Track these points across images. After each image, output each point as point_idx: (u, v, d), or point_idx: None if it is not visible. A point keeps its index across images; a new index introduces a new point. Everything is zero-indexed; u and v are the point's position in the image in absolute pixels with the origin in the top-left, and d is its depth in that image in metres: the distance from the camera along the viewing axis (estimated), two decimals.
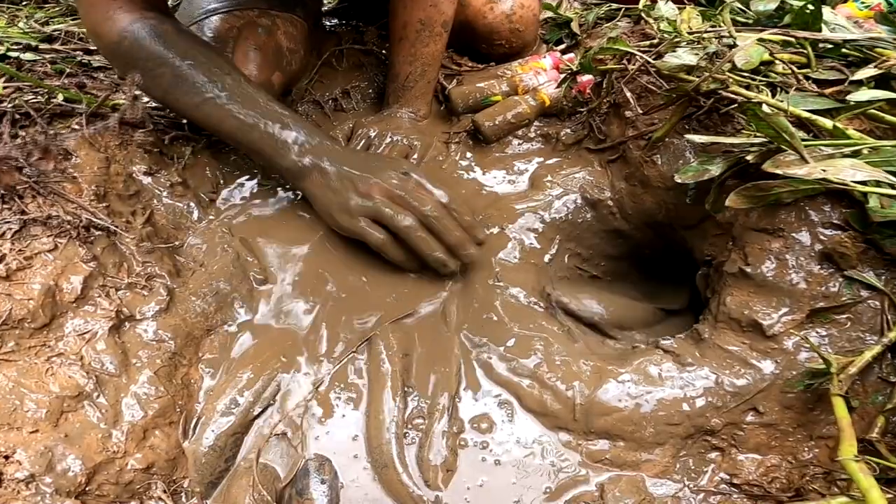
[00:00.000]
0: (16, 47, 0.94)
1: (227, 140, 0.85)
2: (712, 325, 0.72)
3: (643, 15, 0.96)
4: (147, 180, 0.86)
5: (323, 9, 1.21)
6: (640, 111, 0.85)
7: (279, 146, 0.82)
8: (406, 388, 0.74)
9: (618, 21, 1.05)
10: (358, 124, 1.01)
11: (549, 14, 1.15)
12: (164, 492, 0.69)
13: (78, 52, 0.97)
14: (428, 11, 0.95)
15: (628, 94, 0.85)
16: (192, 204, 0.89)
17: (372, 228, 0.79)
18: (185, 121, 0.92)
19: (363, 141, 0.99)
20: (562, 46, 1.11)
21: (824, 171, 0.57)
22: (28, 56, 0.92)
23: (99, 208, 0.76)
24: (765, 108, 0.65)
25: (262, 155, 0.83)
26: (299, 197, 0.92)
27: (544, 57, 1.04)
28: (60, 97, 0.82)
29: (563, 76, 0.98)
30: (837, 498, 0.54)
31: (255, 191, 0.93)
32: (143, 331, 0.74)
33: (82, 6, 0.82)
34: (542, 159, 0.96)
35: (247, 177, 0.94)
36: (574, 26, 1.09)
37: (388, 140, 0.98)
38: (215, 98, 0.80)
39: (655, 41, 0.88)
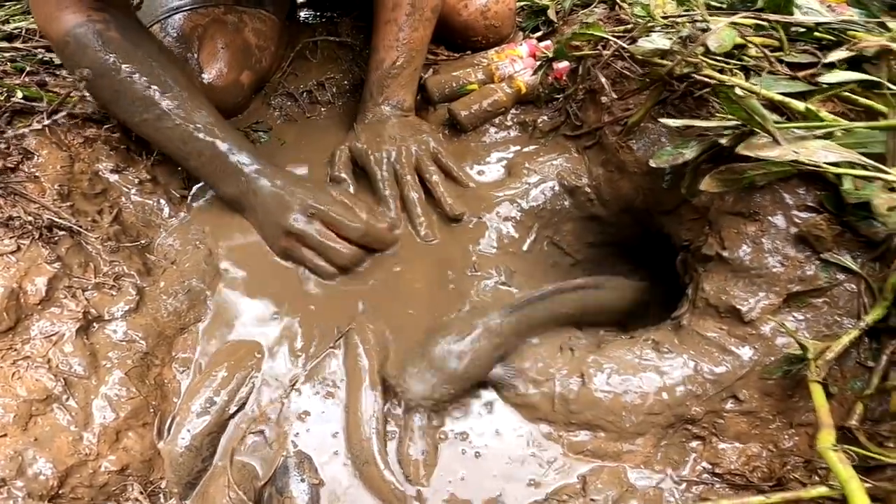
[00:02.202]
0: None
1: (173, 158, 0.83)
2: (691, 312, 0.72)
3: (618, 0, 0.95)
4: (114, 178, 0.84)
5: (298, 0, 1.19)
6: (616, 97, 0.84)
7: (219, 174, 0.81)
8: (385, 384, 0.73)
9: (594, 7, 1.04)
10: (355, 149, 0.92)
11: (526, 2, 1.14)
12: (141, 493, 0.68)
13: (39, 50, 0.94)
14: None
15: (603, 80, 0.84)
16: (162, 201, 0.87)
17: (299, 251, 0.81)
18: None
19: (385, 167, 0.89)
20: (538, 34, 1.09)
21: (796, 152, 0.57)
22: None
23: (63, 208, 0.75)
24: (737, 91, 0.65)
25: (205, 180, 0.84)
26: None
27: (521, 45, 1.03)
28: (20, 94, 0.79)
29: (538, 63, 0.97)
30: (817, 487, 0.54)
31: None
32: (113, 331, 0.73)
33: (31, 2, 0.78)
34: (519, 147, 0.95)
35: None
36: (551, 13, 1.08)
37: (411, 153, 0.90)
38: (154, 119, 0.78)
39: (630, 26, 0.87)
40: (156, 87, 0.78)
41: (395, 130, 0.92)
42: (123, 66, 0.76)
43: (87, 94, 0.82)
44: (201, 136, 0.79)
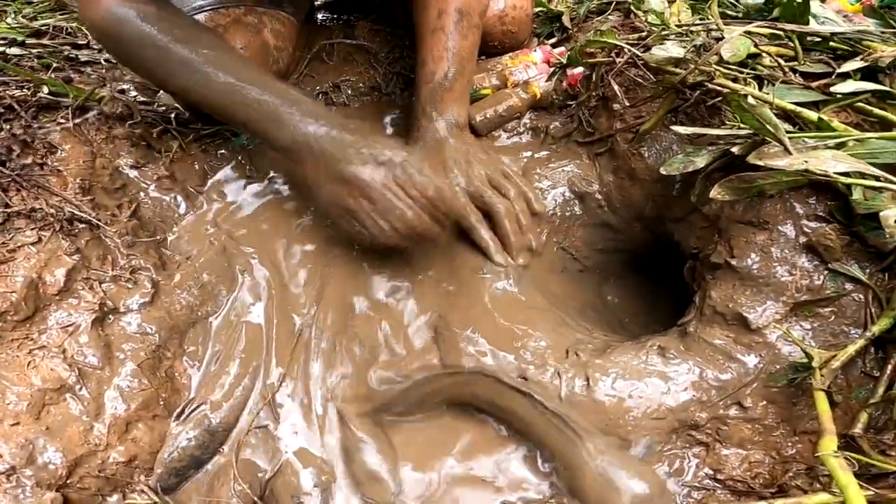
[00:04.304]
0: (2, 42, 0.94)
1: (223, 117, 0.78)
2: (697, 319, 0.72)
3: (632, 8, 0.96)
4: (133, 173, 0.86)
5: (316, 2, 1.21)
6: (628, 104, 0.84)
7: (272, 122, 0.74)
8: None
9: (609, 14, 1.05)
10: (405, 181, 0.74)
11: (541, 8, 1.14)
12: (147, 484, 0.70)
13: (65, 47, 0.97)
14: None
15: (616, 87, 0.84)
16: (179, 197, 0.89)
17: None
18: (172, 115, 0.92)
19: (460, 195, 0.82)
20: (553, 40, 1.10)
21: (806, 162, 0.57)
22: (14, 51, 0.91)
23: (83, 201, 0.76)
24: (750, 99, 0.65)
25: (257, 133, 0.76)
26: (285, 189, 0.91)
27: (535, 50, 1.03)
28: (46, 89, 0.82)
29: (552, 70, 0.97)
30: (819, 494, 0.54)
31: (242, 183, 0.93)
32: (127, 323, 0.74)
33: None
34: (530, 152, 0.95)
35: (235, 170, 0.94)
36: (565, 20, 1.08)
37: (483, 176, 0.83)
38: (201, 78, 0.74)
39: (644, 34, 0.88)
40: (200, 49, 0.75)
41: (458, 154, 0.84)
42: (166, 34, 0.75)
43: (126, 70, 0.84)
44: (252, 87, 0.75)
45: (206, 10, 0.94)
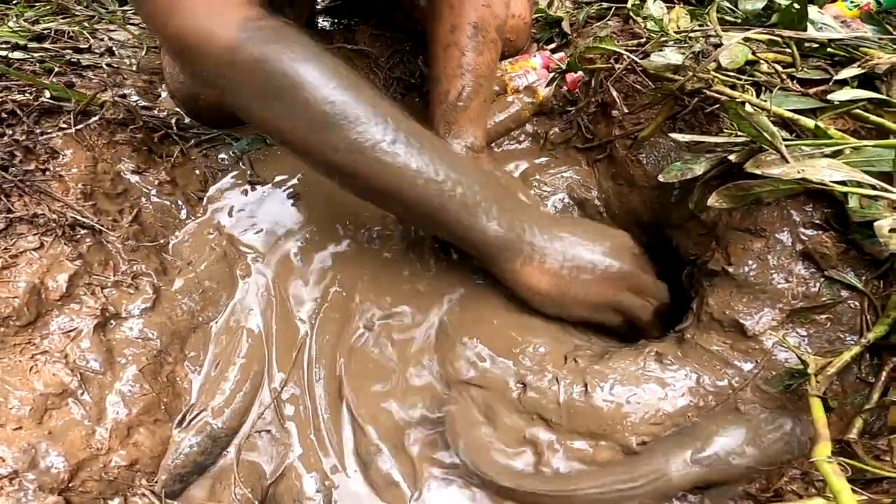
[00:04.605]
0: (4, 46, 0.94)
1: (395, 201, 0.64)
2: (695, 325, 0.72)
3: (631, 14, 0.96)
4: (135, 179, 0.87)
5: (317, 7, 1.21)
6: (627, 110, 0.85)
7: (476, 211, 0.63)
8: None
9: (608, 20, 1.05)
10: None
11: (540, 13, 1.15)
12: (149, 488, 0.70)
13: (67, 51, 0.97)
14: (481, 13, 0.79)
15: (615, 94, 0.85)
16: (180, 202, 0.89)
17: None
18: (173, 121, 0.92)
19: None
20: (552, 45, 1.10)
21: (801, 171, 0.57)
22: (17, 55, 0.92)
23: (85, 207, 0.77)
24: (747, 107, 0.65)
25: (448, 223, 0.64)
26: (286, 195, 0.92)
27: (534, 56, 1.04)
28: (48, 94, 0.82)
29: (552, 75, 0.98)
30: (814, 499, 0.54)
31: (243, 189, 0.93)
32: (129, 329, 0.75)
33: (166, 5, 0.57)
34: (530, 158, 0.96)
35: (236, 175, 0.95)
36: (565, 25, 1.09)
37: None
38: (388, 144, 0.59)
39: (643, 40, 0.88)
40: (377, 100, 0.61)
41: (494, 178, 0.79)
42: (332, 74, 0.59)
43: (244, 116, 0.65)
44: (456, 158, 0.64)
45: None
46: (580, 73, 0.93)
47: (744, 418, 0.64)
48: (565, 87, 0.96)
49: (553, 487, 0.65)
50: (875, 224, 0.51)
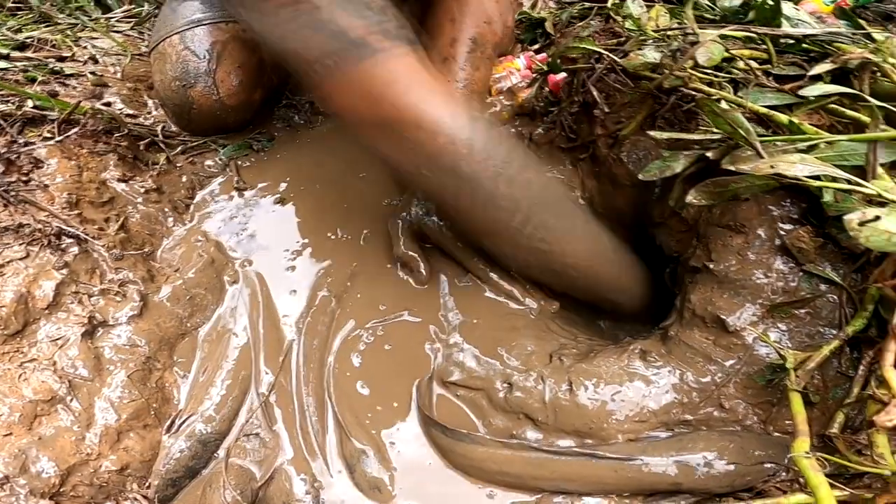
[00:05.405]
0: None
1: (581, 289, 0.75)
2: (678, 322, 0.73)
3: (611, 13, 0.97)
4: (121, 187, 0.87)
5: None
6: (608, 110, 0.85)
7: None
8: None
9: (590, 20, 1.06)
10: (422, 223, 0.79)
11: (524, 14, 1.16)
12: (139, 492, 0.71)
13: (50, 60, 0.98)
14: (482, 29, 0.82)
15: (596, 94, 0.85)
16: (167, 210, 0.90)
17: None
18: (159, 128, 0.92)
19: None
20: (536, 46, 1.11)
21: (773, 166, 0.58)
22: None
23: (71, 216, 0.77)
24: (722, 103, 0.66)
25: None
26: (272, 201, 0.92)
27: (518, 57, 1.04)
28: (31, 103, 0.83)
29: (534, 76, 0.98)
30: (796, 495, 0.55)
31: (230, 195, 0.94)
32: (117, 336, 0.75)
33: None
34: None
35: (222, 182, 0.95)
36: (548, 26, 1.09)
37: None
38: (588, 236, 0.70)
39: (623, 39, 0.89)
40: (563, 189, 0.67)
41: None
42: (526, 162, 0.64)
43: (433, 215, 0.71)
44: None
45: (204, 25, 0.94)
46: (563, 74, 0.94)
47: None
48: (548, 88, 0.96)
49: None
50: (844, 217, 0.52)
